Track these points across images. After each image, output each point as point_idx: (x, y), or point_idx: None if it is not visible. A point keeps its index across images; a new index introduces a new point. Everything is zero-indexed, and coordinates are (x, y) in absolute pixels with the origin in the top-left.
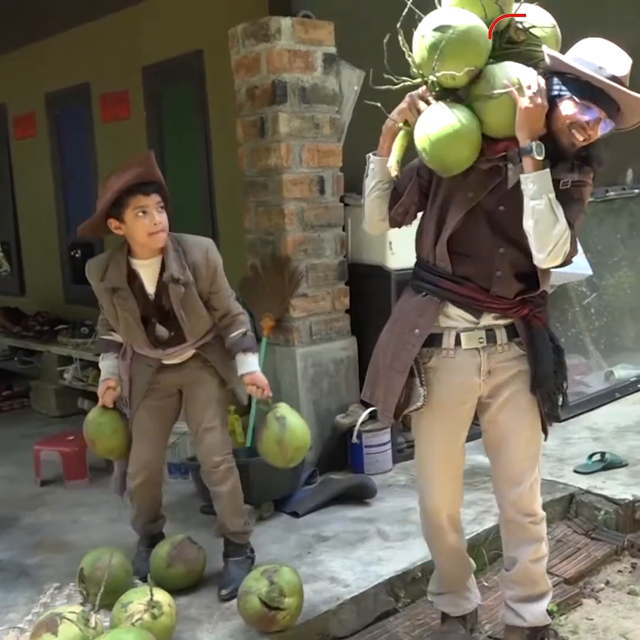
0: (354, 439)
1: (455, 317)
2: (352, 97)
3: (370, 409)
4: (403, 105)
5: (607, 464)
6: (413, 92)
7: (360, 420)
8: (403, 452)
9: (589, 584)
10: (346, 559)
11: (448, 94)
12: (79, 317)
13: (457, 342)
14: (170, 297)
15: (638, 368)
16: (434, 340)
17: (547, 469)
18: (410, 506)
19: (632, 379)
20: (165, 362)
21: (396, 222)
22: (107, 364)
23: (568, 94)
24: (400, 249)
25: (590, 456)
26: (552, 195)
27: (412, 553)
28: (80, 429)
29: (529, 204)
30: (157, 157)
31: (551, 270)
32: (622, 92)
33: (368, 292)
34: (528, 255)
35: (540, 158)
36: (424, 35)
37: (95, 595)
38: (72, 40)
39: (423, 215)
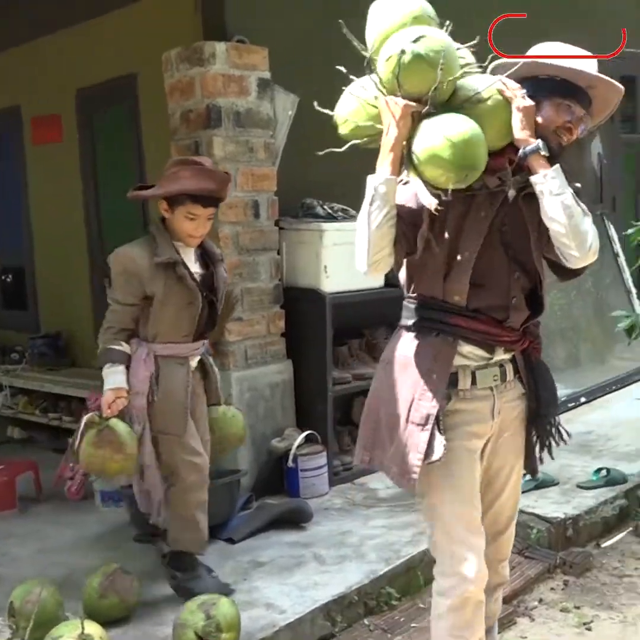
0: (290, 463)
1: (468, 354)
2: (286, 121)
3: (306, 432)
4: (396, 116)
5: (539, 483)
6: (402, 102)
7: (296, 444)
8: (339, 475)
9: (522, 602)
10: (282, 584)
11: (435, 111)
12: (9, 343)
13: (473, 381)
14: (217, 275)
15: (568, 388)
16: (448, 382)
17: None
18: (346, 529)
19: (562, 399)
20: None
21: (402, 258)
22: (117, 374)
23: (548, 95)
24: (334, 273)
25: (523, 475)
26: (570, 188)
27: (349, 577)
28: (8, 458)
29: (556, 201)
30: (90, 180)
31: None
32: (602, 82)
33: (303, 315)
34: (534, 277)
35: (548, 154)
36: (404, 50)
37: (25, 630)
38: (2, 62)
39: (428, 248)
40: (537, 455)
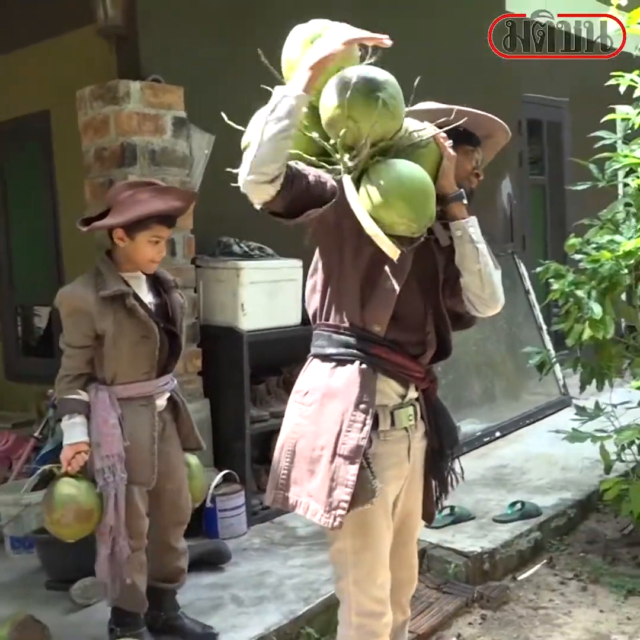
0: (208, 503)
1: (386, 390)
2: (202, 160)
3: (224, 471)
4: (338, 45)
5: (456, 517)
6: (345, 39)
7: (213, 483)
8: (257, 514)
9: (441, 638)
10: None
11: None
12: None
13: (391, 421)
14: (172, 303)
15: (483, 423)
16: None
17: None
18: (265, 569)
19: (478, 434)
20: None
21: (282, 204)
22: (76, 427)
23: (459, 144)
24: (252, 311)
25: (441, 510)
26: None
27: (267, 618)
28: None
29: (474, 248)
30: (1, 217)
31: None
32: (503, 133)
33: (220, 353)
34: (443, 314)
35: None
36: (379, 92)
37: None
38: None
39: (331, 271)
40: (434, 499)
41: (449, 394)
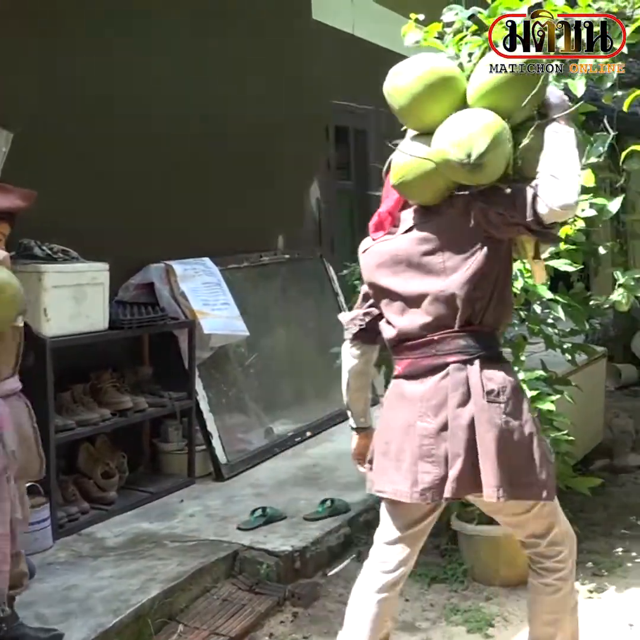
0: None
1: None
2: (0, 158)
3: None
4: None
5: (268, 518)
6: None
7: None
8: (64, 527)
9: (253, 639)
10: None
11: None
12: None
13: None
14: None
15: (295, 423)
16: None
17: (211, 529)
18: (72, 583)
19: (289, 434)
20: None
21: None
22: None
23: None
24: (55, 316)
25: (253, 512)
26: None
27: (73, 634)
28: None
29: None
30: None
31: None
32: None
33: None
34: None
35: None
36: None
37: None
38: None
39: (497, 279)
40: None
41: (262, 397)
